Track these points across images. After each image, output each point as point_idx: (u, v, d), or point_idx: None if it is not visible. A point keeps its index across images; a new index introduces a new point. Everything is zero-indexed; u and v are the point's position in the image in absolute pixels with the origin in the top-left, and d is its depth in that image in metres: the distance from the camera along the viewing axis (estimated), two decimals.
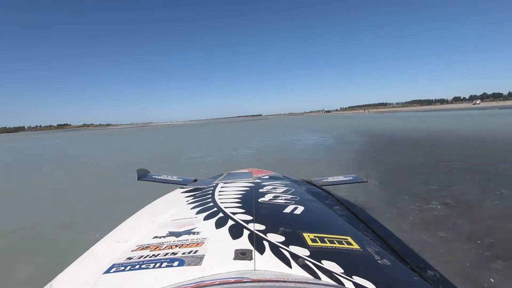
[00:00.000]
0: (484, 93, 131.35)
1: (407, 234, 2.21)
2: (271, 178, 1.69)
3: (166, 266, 0.61)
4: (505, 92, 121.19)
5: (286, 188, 1.33)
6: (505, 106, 47.54)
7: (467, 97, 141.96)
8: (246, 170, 2.05)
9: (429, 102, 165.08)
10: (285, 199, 1.12)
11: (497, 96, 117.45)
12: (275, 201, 1.10)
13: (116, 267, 0.65)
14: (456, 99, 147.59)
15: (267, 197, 1.13)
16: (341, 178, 1.85)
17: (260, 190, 1.26)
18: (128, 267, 0.63)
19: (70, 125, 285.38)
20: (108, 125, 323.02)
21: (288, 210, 0.98)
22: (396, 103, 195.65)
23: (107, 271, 0.63)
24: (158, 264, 0.63)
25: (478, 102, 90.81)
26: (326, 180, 1.79)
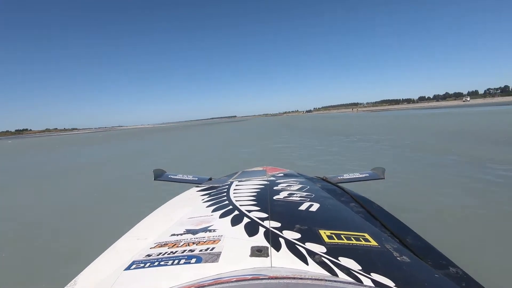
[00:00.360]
0: (447, 93, 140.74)
1: None
2: (286, 175, 1.70)
3: (184, 263, 0.62)
4: (465, 91, 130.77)
5: (301, 185, 1.34)
6: (501, 103, 45.12)
7: (431, 97, 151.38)
8: (261, 168, 2.05)
9: (396, 101, 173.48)
10: (300, 197, 1.12)
11: (458, 96, 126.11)
12: (290, 198, 1.10)
13: (136, 263, 0.66)
14: (421, 99, 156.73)
15: (282, 195, 1.14)
16: (356, 175, 1.83)
17: (275, 188, 1.27)
18: (148, 264, 0.65)
19: (30, 130, 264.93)
20: (74, 129, 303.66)
21: (303, 207, 0.98)
22: (367, 103, 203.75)
23: (128, 268, 0.65)
24: (176, 261, 0.64)
25: (468, 99, 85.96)
26: (341, 177, 1.77)
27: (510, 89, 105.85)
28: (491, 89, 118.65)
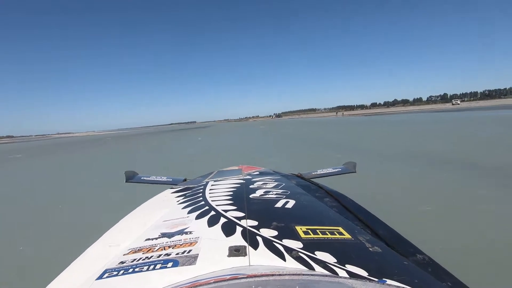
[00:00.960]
0: (395, 100, 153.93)
1: None
2: (261, 173, 1.73)
3: (160, 268, 0.61)
4: (411, 98, 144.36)
5: (277, 183, 1.36)
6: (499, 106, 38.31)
7: (382, 103, 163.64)
8: (236, 167, 2.05)
9: (351, 107, 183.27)
10: (276, 194, 1.15)
11: (417, 101, 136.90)
12: (266, 196, 1.12)
13: (109, 272, 0.64)
14: (373, 105, 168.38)
15: (258, 193, 1.16)
16: (330, 170, 1.92)
17: (251, 186, 1.28)
18: (121, 272, 0.63)
19: None
20: (8, 136, 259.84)
21: (279, 204, 1.01)
22: (324, 109, 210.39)
23: (100, 277, 0.62)
24: (152, 267, 0.62)
25: (458, 102, 78.37)
26: (315, 173, 1.84)
27: (449, 97, 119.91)
28: (433, 96, 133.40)
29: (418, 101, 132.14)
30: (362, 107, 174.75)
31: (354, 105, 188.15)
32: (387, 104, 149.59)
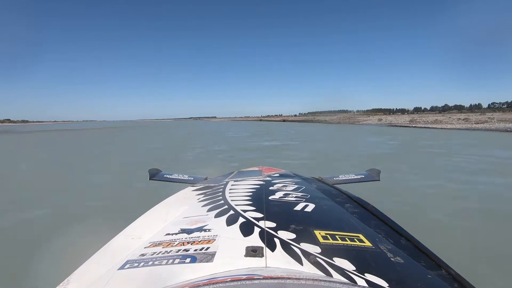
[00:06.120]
0: (446, 105, 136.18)
1: None
2: (281, 176, 1.71)
3: (179, 263, 0.64)
4: (466, 104, 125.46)
5: (297, 185, 1.36)
6: None
7: (428, 108, 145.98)
8: (256, 168, 2.06)
9: (390, 111, 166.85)
10: (295, 197, 1.14)
11: (475, 108, 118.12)
12: (286, 198, 1.13)
13: (130, 263, 0.67)
14: (417, 109, 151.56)
15: (277, 195, 1.16)
16: (352, 176, 1.88)
17: (271, 188, 1.29)
18: (142, 264, 0.66)
19: None
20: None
21: (298, 207, 1.01)
22: (357, 111, 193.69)
23: (122, 267, 0.66)
24: (170, 261, 0.65)
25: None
26: (337, 178, 1.82)
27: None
28: (497, 103, 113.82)
29: (476, 108, 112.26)
30: (403, 111, 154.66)
31: (393, 109, 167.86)
32: (435, 110, 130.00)
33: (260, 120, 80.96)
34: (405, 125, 27.76)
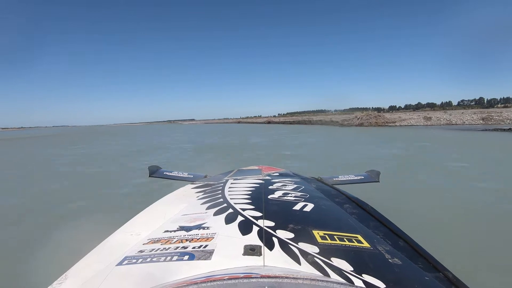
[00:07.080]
0: (419, 103, 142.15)
1: None
2: (281, 175, 1.73)
3: (177, 260, 0.64)
4: (438, 102, 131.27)
5: (296, 185, 1.36)
6: None
7: (403, 106, 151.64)
8: (256, 167, 2.07)
9: (365, 110, 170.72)
10: (294, 196, 1.14)
11: (446, 105, 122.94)
12: (285, 198, 1.13)
13: (128, 259, 0.67)
14: (392, 108, 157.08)
15: (276, 194, 1.16)
16: (351, 177, 1.87)
17: (270, 187, 1.29)
18: (140, 260, 0.66)
19: None
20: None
21: (297, 207, 1.01)
22: (335, 110, 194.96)
23: (120, 263, 0.66)
24: (169, 258, 0.65)
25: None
26: (336, 179, 1.81)
27: (486, 101, 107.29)
28: (465, 100, 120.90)
29: (447, 106, 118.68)
30: (378, 110, 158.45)
31: (369, 108, 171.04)
32: (409, 108, 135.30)
33: (239, 123, 66.31)
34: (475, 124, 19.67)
